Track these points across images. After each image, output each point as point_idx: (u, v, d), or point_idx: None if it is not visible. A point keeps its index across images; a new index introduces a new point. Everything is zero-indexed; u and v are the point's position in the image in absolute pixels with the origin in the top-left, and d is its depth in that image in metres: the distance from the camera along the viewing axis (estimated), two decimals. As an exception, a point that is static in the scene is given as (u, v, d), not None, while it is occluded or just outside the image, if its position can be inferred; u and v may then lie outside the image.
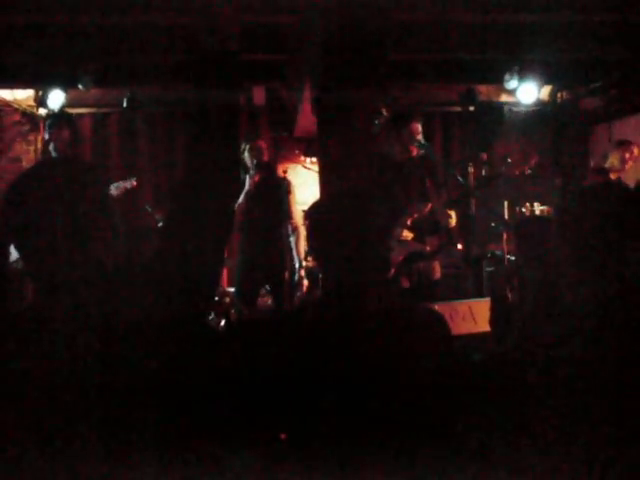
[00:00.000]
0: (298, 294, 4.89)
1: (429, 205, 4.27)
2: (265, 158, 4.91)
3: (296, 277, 4.84)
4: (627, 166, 4.80)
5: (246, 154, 4.89)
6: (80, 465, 1.46)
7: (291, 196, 4.87)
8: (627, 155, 4.82)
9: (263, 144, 5.00)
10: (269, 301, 5.31)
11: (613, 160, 4.83)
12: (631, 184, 4.74)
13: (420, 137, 4.33)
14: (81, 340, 1.50)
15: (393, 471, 1.59)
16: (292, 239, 4.88)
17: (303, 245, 4.81)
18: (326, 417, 1.66)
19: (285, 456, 1.63)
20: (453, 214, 4.36)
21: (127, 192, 5.51)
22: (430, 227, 4.30)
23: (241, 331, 1.85)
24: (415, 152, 4.35)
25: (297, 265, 4.87)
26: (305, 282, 4.88)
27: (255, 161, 4.85)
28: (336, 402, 1.65)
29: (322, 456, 1.60)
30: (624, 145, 4.87)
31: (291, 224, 4.86)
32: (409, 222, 4.22)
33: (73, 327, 1.52)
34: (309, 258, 4.96)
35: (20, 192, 3.92)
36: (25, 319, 1.64)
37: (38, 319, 1.57)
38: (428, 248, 4.26)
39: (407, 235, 4.21)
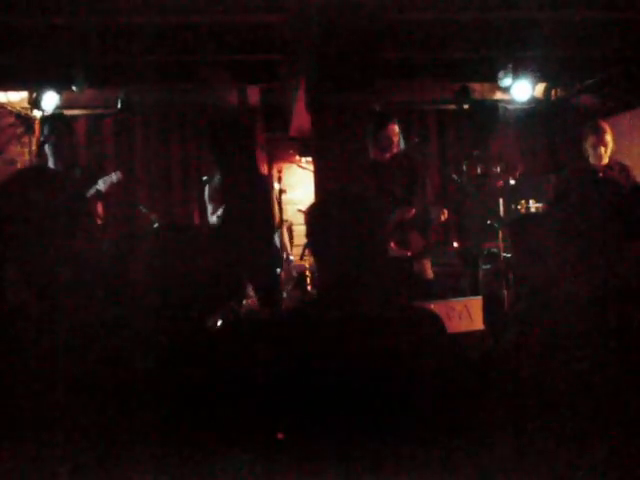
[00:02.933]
0: (284, 294, 4.86)
1: (413, 210, 4.29)
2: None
3: (279, 275, 4.80)
4: (599, 153, 4.71)
5: None
6: (78, 465, 1.45)
7: (272, 193, 4.82)
8: (596, 142, 4.72)
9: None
10: (253, 302, 5.28)
11: (588, 149, 4.78)
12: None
13: (397, 139, 4.35)
14: (71, 340, 1.51)
15: (391, 470, 1.59)
16: (276, 237, 4.85)
17: (288, 243, 4.76)
18: (323, 417, 1.66)
19: (282, 456, 1.64)
20: (445, 211, 4.38)
21: (117, 187, 5.38)
22: (416, 226, 4.31)
23: (238, 331, 1.85)
24: (395, 151, 4.36)
25: (282, 262, 4.83)
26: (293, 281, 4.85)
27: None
28: (333, 402, 1.65)
29: (320, 456, 1.60)
30: (596, 132, 4.76)
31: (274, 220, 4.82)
32: (391, 226, 4.23)
33: (63, 327, 1.51)
34: (305, 257, 4.94)
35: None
36: (16, 319, 1.64)
37: (29, 319, 1.57)
38: (409, 253, 4.27)
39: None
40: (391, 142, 4.32)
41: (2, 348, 1.54)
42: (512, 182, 5.02)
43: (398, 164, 4.40)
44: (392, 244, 4.21)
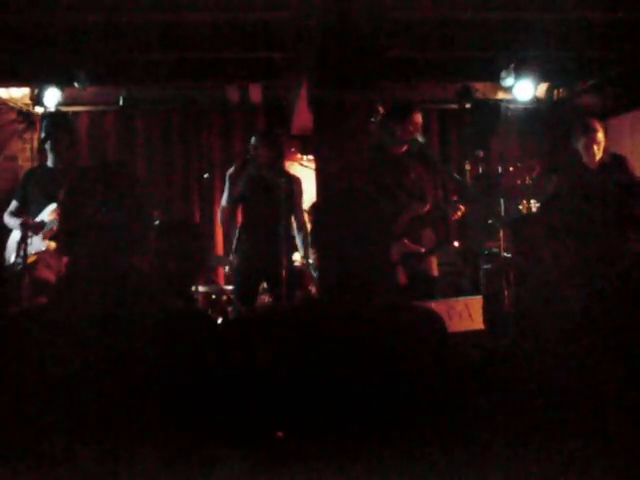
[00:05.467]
0: (301, 292, 4.89)
1: (427, 206, 4.30)
2: (269, 156, 4.82)
3: (295, 275, 4.82)
4: (592, 152, 4.70)
5: (257, 150, 4.83)
6: (77, 464, 1.46)
7: (297, 194, 4.84)
8: (588, 141, 4.73)
9: (270, 141, 4.90)
10: (266, 299, 5.31)
11: (581, 150, 4.78)
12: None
13: (419, 130, 4.36)
14: (91, 331, 1.51)
15: (391, 469, 1.59)
16: (299, 238, 4.86)
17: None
18: (323, 415, 1.66)
19: (281, 454, 1.64)
20: (462, 208, 4.41)
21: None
22: (430, 222, 4.32)
23: (237, 328, 1.85)
24: (407, 147, 4.37)
25: (306, 262, 4.85)
26: (313, 279, 4.86)
27: (261, 158, 4.81)
28: (332, 400, 1.65)
29: (319, 454, 1.60)
30: (587, 133, 4.76)
31: (297, 223, 4.84)
32: (407, 221, 4.24)
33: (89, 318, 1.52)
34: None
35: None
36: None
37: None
38: (423, 249, 4.28)
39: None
40: (414, 130, 4.32)
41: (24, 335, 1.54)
42: (528, 182, 5.05)
43: (414, 158, 4.41)
44: (405, 240, 4.22)
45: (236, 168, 4.79)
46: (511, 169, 5.09)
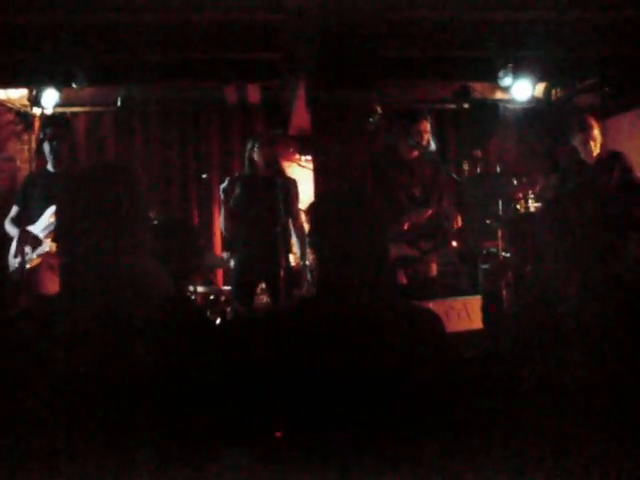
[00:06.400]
0: (298, 293, 4.89)
1: (429, 212, 4.32)
2: (267, 157, 4.82)
3: (293, 275, 4.82)
4: (589, 148, 4.73)
5: (255, 151, 4.82)
6: (77, 464, 1.46)
7: (294, 195, 4.85)
8: (585, 138, 4.77)
9: (269, 142, 4.89)
10: (265, 300, 5.30)
11: (578, 147, 4.83)
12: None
13: (428, 136, 4.39)
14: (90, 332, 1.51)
15: (389, 469, 1.59)
16: (296, 239, 4.87)
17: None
18: (321, 415, 1.66)
19: (280, 454, 1.64)
20: (459, 218, 4.43)
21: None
22: (428, 230, 4.34)
23: (235, 329, 1.85)
24: (418, 153, 4.40)
25: (301, 264, 4.86)
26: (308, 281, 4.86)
27: (259, 159, 4.80)
28: (331, 400, 1.65)
29: (318, 454, 1.60)
30: (584, 130, 4.81)
31: (294, 224, 4.84)
32: (406, 225, 4.26)
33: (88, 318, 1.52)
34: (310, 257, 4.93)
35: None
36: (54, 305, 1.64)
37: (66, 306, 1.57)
38: (419, 253, 4.30)
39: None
40: (422, 138, 4.36)
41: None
42: (531, 196, 5.09)
43: (422, 164, 4.44)
44: (404, 245, 4.25)
45: (230, 182, 4.83)
46: (515, 183, 5.13)
